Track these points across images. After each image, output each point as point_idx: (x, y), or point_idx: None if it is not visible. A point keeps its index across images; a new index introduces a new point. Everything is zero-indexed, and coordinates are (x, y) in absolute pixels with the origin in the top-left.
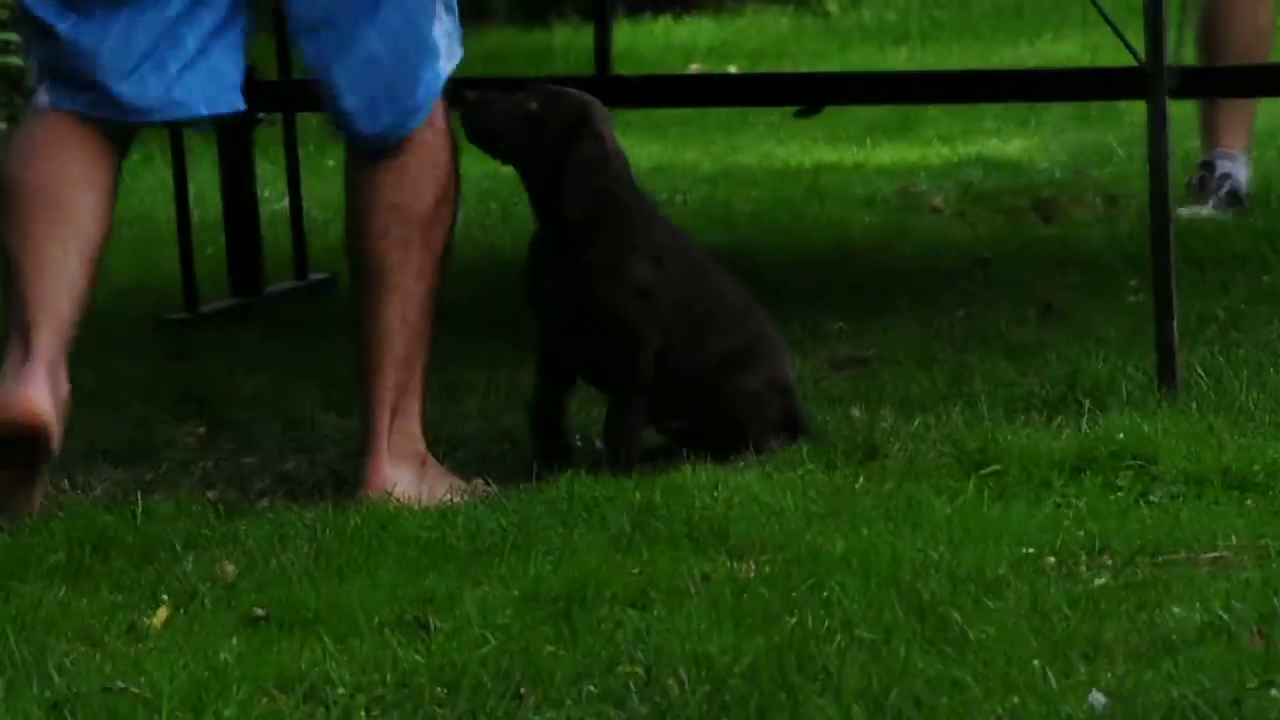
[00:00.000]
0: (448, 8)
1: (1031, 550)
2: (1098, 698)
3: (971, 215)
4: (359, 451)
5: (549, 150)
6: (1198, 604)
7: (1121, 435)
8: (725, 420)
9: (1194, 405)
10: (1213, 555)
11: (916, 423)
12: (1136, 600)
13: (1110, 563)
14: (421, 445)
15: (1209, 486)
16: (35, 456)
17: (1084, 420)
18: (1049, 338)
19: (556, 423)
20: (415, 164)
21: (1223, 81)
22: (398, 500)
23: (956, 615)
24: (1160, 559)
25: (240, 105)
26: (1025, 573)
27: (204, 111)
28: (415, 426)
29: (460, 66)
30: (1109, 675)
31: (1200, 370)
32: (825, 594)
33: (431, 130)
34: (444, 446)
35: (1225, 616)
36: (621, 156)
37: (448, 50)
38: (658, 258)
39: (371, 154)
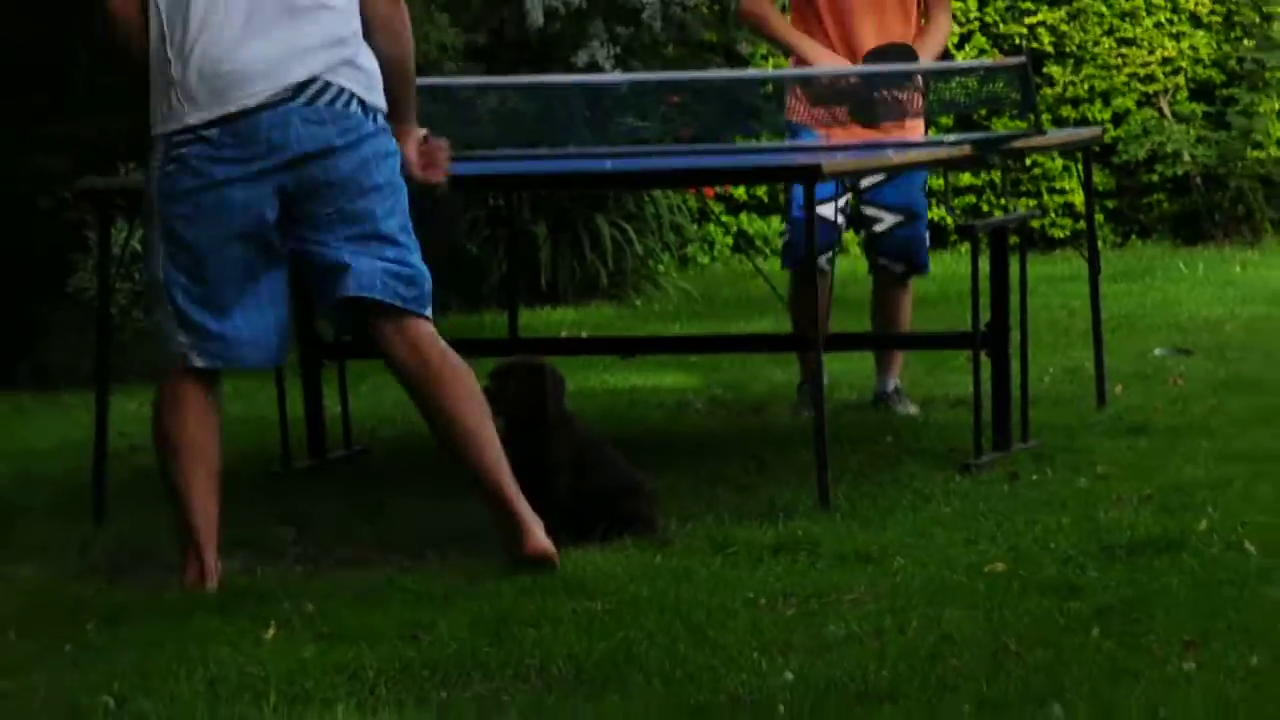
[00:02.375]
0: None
1: (751, 594)
2: (788, 676)
3: (716, 414)
4: (513, 531)
5: (529, 391)
6: (843, 624)
7: (799, 532)
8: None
9: (839, 515)
10: (850, 597)
11: (689, 526)
12: (810, 621)
13: (795, 601)
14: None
15: (848, 559)
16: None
17: (779, 524)
18: (760, 482)
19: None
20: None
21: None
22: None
23: (709, 630)
24: (822, 599)
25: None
26: (748, 607)
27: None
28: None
29: None
30: (795, 663)
31: (842, 498)
32: (639, 619)
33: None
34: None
35: (858, 630)
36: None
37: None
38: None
39: None
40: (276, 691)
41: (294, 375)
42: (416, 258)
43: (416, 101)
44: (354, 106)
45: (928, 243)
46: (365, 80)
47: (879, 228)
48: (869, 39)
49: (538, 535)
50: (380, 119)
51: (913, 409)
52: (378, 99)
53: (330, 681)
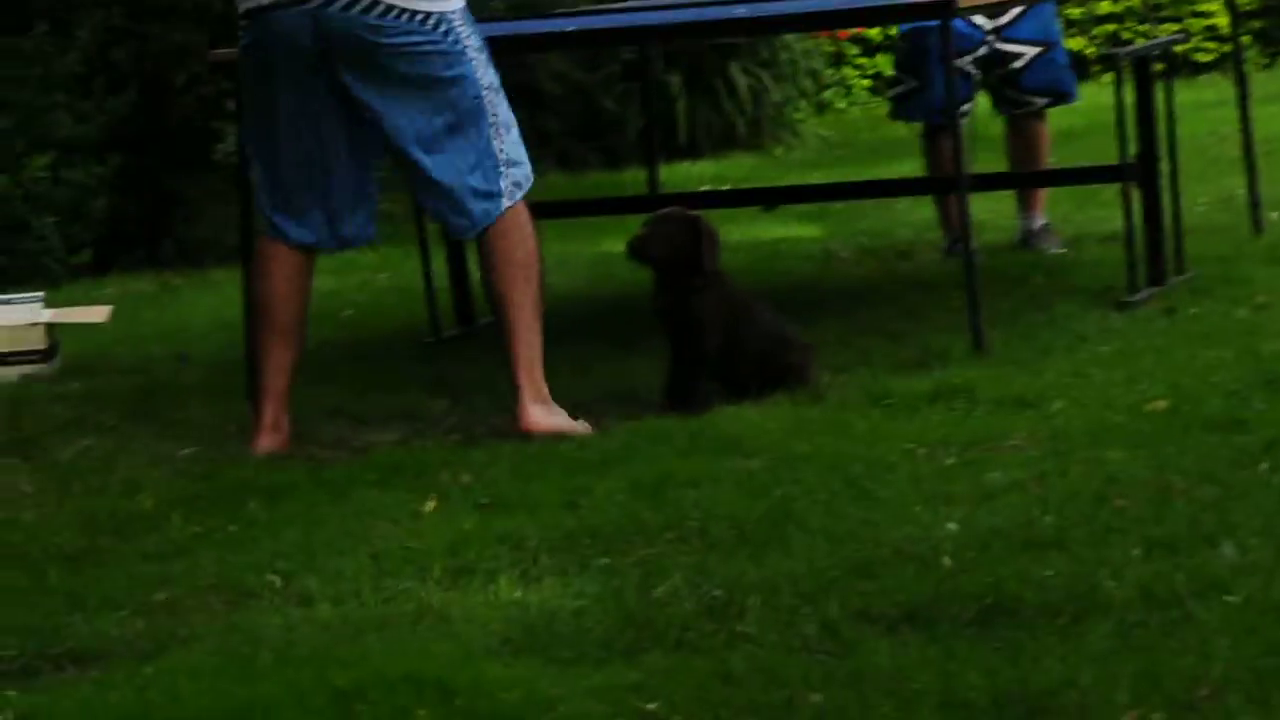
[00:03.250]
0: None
1: (910, 445)
2: (951, 526)
3: (864, 262)
4: (513, 401)
5: (683, 243)
6: (1004, 470)
7: (955, 379)
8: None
9: (995, 360)
10: (1011, 443)
11: (843, 378)
12: (970, 470)
13: (955, 450)
14: (546, 393)
15: (1006, 404)
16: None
17: (934, 372)
18: (913, 329)
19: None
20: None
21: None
22: (544, 431)
23: (868, 484)
24: (981, 447)
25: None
26: (907, 458)
27: (372, 239)
28: (542, 384)
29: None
30: (958, 513)
31: (997, 342)
32: (797, 476)
33: (513, 214)
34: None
35: (1020, 476)
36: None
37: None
38: (727, 301)
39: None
40: (439, 564)
41: (438, 243)
42: None
43: None
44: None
45: (1072, 71)
46: None
47: (1019, 64)
48: None
49: (528, 415)
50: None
51: (1060, 247)
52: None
53: (492, 552)
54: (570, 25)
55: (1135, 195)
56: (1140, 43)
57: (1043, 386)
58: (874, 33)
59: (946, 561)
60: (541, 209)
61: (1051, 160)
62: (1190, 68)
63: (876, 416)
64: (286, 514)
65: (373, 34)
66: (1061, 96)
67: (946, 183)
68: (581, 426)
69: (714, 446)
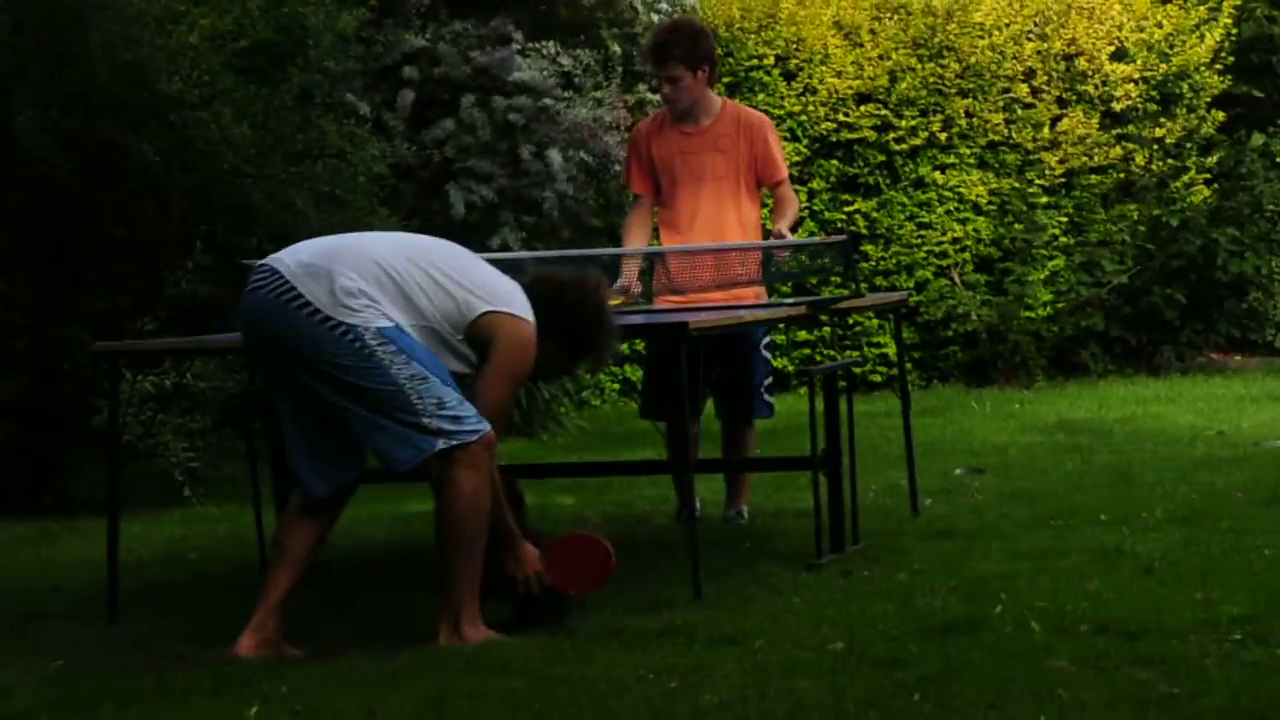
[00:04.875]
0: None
1: (642, 671)
2: None
3: (609, 526)
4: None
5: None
6: (713, 693)
7: (679, 620)
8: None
9: (710, 606)
10: (721, 672)
11: (589, 617)
12: (690, 693)
13: (677, 676)
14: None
15: (718, 641)
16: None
17: (662, 614)
18: (646, 579)
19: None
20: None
21: None
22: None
23: (609, 702)
24: (698, 674)
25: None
26: (640, 682)
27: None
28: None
29: None
30: None
31: (712, 591)
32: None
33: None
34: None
35: (728, 698)
36: None
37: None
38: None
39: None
40: None
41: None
42: None
43: None
44: None
45: (765, 397)
46: None
47: (713, 377)
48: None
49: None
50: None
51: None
52: None
53: None
54: None
55: (822, 481)
56: (828, 363)
57: (747, 628)
58: (624, 346)
59: None
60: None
61: (759, 451)
62: (866, 385)
63: (615, 648)
64: (134, 717)
65: None
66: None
67: (677, 468)
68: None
69: (485, 668)
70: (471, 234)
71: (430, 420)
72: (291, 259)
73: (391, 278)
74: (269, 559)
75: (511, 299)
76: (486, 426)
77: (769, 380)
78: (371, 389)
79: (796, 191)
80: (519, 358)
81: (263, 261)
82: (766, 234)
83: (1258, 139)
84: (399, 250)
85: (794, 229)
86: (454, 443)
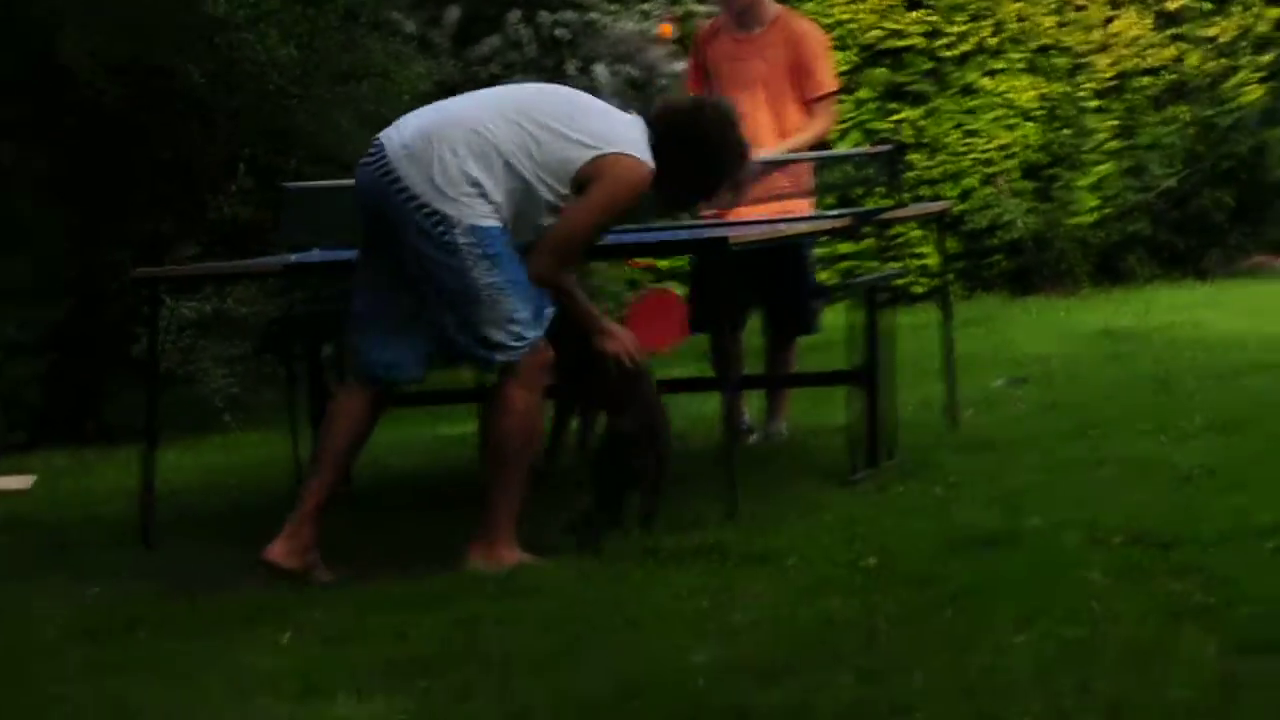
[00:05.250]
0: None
1: (674, 591)
2: (702, 658)
3: None
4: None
5: None
6: (743, 612)
7: (711, 539)
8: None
9: (743, 524)
10: (753, 591)
11: (624, 537)
12: (720, 612)
13: (708, 595)
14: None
15: (750, 559)
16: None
17: (696, 532)
18: (683, 497)
19: None
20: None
21: None
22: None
23: (641, 621)
24: (730, 593)
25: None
26: (673, 601)
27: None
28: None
29: None
30: (710, 645)
31: (746, 510)
32: (585, 615)
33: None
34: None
35: (759, 617)
36: None
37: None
38: None
39: None
40: (290, 684)
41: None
42: None
43: None
44: None
45: (817, 311)
46: None
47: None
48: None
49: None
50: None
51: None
52: None
53: (333, 675)
54: None
55: (860, 396)
56: (868, 275)
57: (780, 546)
58: (662, 263)
59: (699, 683)
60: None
61: (800, 366)
62: (908, 298)
63: (649, 567)
64: (168, 642)
65: None
66: (805, 330)
67: (714, 381)
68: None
69: (518, 591)
70: None
71: (495, 333)
72: (397, 137)
73: (494, 146)
74: (307, 468)
75: (624, 140)
76: (542, 342)
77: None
78: (449, 286)
79: (842, 101)
80: (620, 192)
81: (376, 137)
82: (823, 147)
83: None
84: (500, 111)
85: (823, 146)
86: (511, 358)
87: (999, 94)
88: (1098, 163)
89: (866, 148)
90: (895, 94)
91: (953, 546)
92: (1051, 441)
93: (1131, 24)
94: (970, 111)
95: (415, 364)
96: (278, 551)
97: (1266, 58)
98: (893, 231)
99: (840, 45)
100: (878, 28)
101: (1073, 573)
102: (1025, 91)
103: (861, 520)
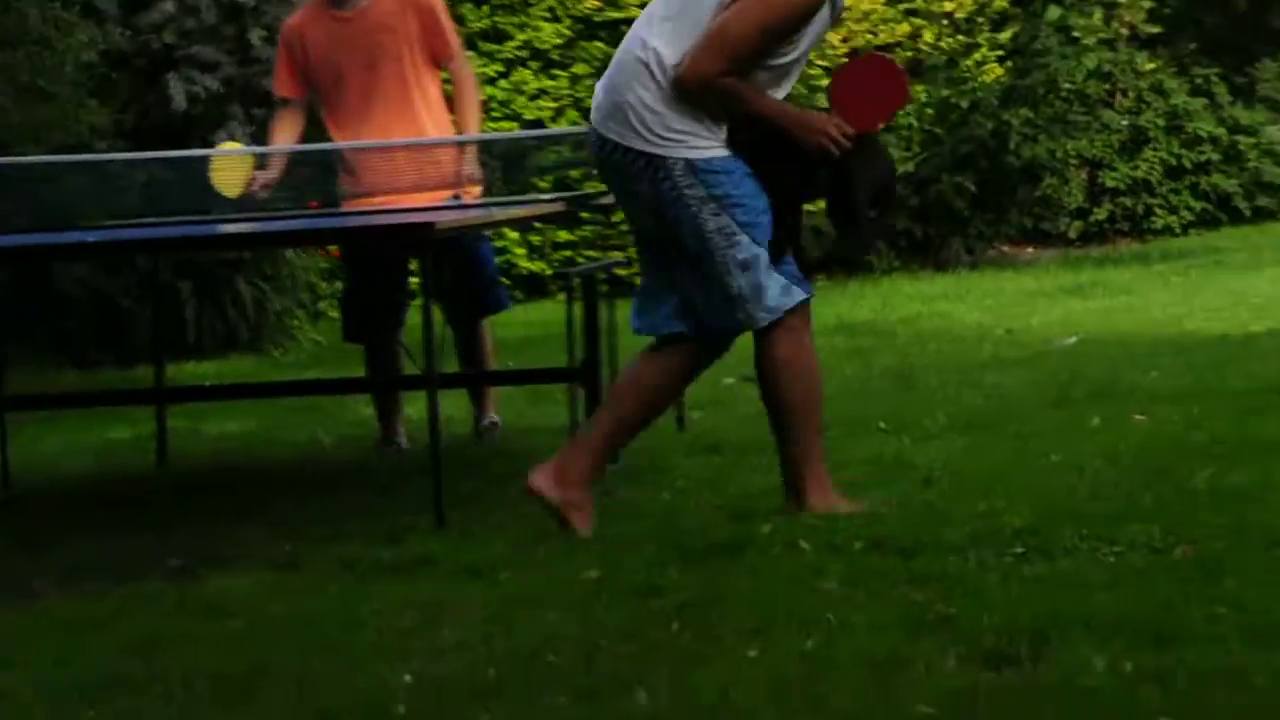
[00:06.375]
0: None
1: (377, 606)
2: (407, 678)
3: (345, 449)
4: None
5: None
6: (452, 629)
7: (419, 550)
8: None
9: (453, 534)
10: (463, 606)
11: (320, 549)
12: (427, 629)
13: (413, 611)
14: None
15: (460, 572)
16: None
17: (401, 544)
18: (385, 507)
19: None
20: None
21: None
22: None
23: (338, 640)
24: (437, 609)
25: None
26: (374, 617)
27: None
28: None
29: None
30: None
31: (456, 519)
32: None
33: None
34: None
35: (468, 636)
36: None
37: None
38: None
39: None
40: None
41: None
42: None
43: None
44: None
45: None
46: None
47: (446, 282)
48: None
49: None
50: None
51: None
52: None
53: None
54: (91, 237)
55: (581, 394)
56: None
57: (494, 557)
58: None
59: (400, 709)
60: (52, 401)
61: (513, 364)
62: (632, 288)
63: (347, 581)
64: None
65: None
66: (494, 307)
67: (418, 380)
68: (850, 505)
69: (198, 609)
70: (193, 128)
71: (734, 283)
72: (596, 114)
73: (659, 56)
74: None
75: None
76: (793, 299)
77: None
78: (682, 237)
79: (557, 77)
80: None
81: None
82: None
83: (1053, 12)
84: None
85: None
86: (757, 318)
87: None
88: None
89: (583, 126)
90: None
91: (680, 555)
92: None
93: None
94: None
95: (669, 320)
96: (541, 480)
97: (1005, 34)
98: (616, 217)
99: (552, 17)
100: None
101: (807, 582)
102: None
103: None
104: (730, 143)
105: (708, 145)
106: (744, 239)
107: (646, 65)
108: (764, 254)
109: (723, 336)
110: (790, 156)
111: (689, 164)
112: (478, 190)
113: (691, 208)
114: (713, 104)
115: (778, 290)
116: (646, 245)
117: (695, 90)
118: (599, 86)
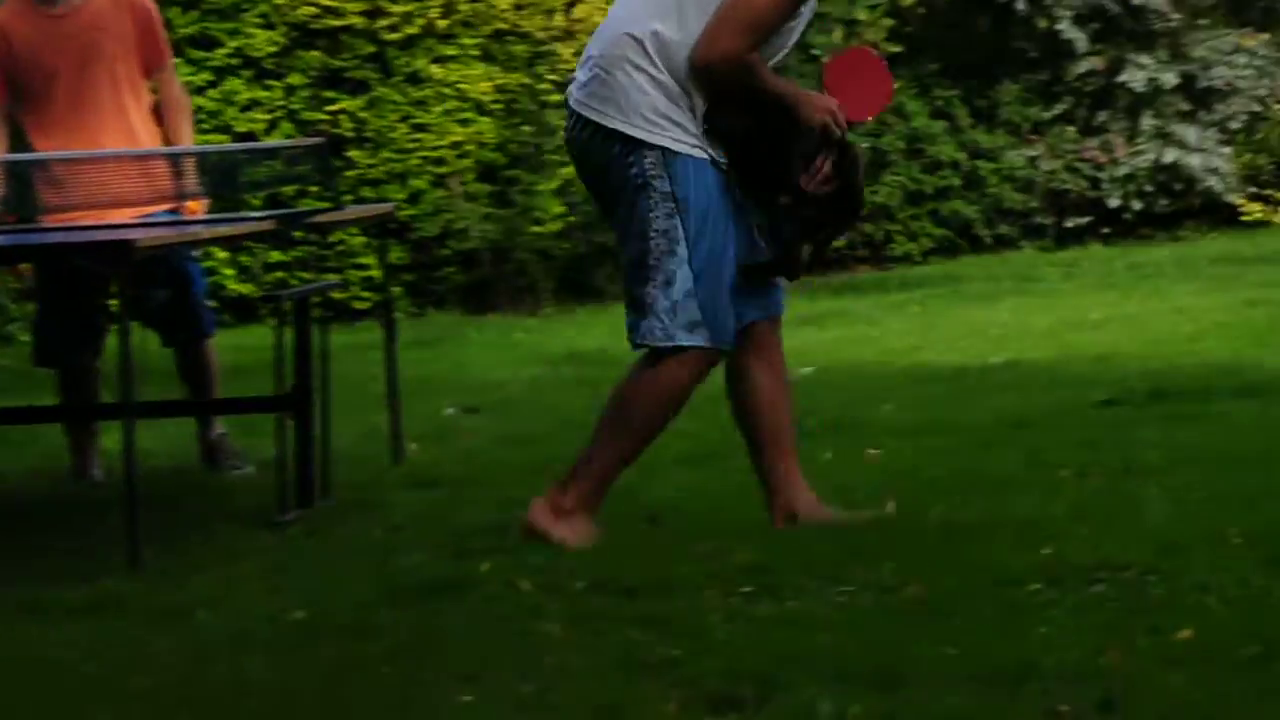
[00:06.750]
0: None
1: (60, 653)
2: None
3: (34, 484)
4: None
5: None
6: (148, 676)
7: (109, 592)
8: None
9: (149, 575)
10: (155, 651)
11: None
12: (117, 677)
13: (99, 658)
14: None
15: (154, 615)
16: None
17: (90, 585)
18: (76, 546)
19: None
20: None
21: None
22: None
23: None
24: (127, 654)
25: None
26: (53, 668)
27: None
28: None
29: None
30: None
31: (153, 558)
32: None
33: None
34: None
35: (165, 680)
36: None
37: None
38: None
39: None
40: None
41: None
42: None
43: None
44: None
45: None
46: None
47: (155, 303)
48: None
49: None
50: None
51: (246, 465)
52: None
53: None
54: None
55: (291, 426)
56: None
57: (190, 598)
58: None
59: None
60: None
61: (222, 392)
62: (350, 314)
63: (29, 625)
64: None
65: None
66: (203, 332)
67: (114, 409)
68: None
69: None
70: None
71: (652, 290)
72: (579, 91)
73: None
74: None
75: None
76: (694, 341)
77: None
78: (625, 228)
79: (270, 87)
80: None
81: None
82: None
83: None
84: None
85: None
86: (654, 334)
87: (450, 84)
88: (563, 164)
89: (297, 140)
90: (332, 80)
91: (393, 596)
92: (509, 478)
93: (595, 9)
94: (419, 103)
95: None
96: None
97: None
98: (334, 238)
99: (265, 24)
100: (310, 4)
101: (527, 623)
102: (480, 82)
103: (290, 568)
104: (727, 132)
105: (689, 142)
106: (682, 252)
107: (641, 44)
108: (690, 279)
109: (630, 340)
110: (785, 145)
111: (665, 154)
112: (200, 207)
113: (651, 199)
114: (734, 85)
115: (686, 322)
116: None
117: (724, 70)
118: (582, 67)
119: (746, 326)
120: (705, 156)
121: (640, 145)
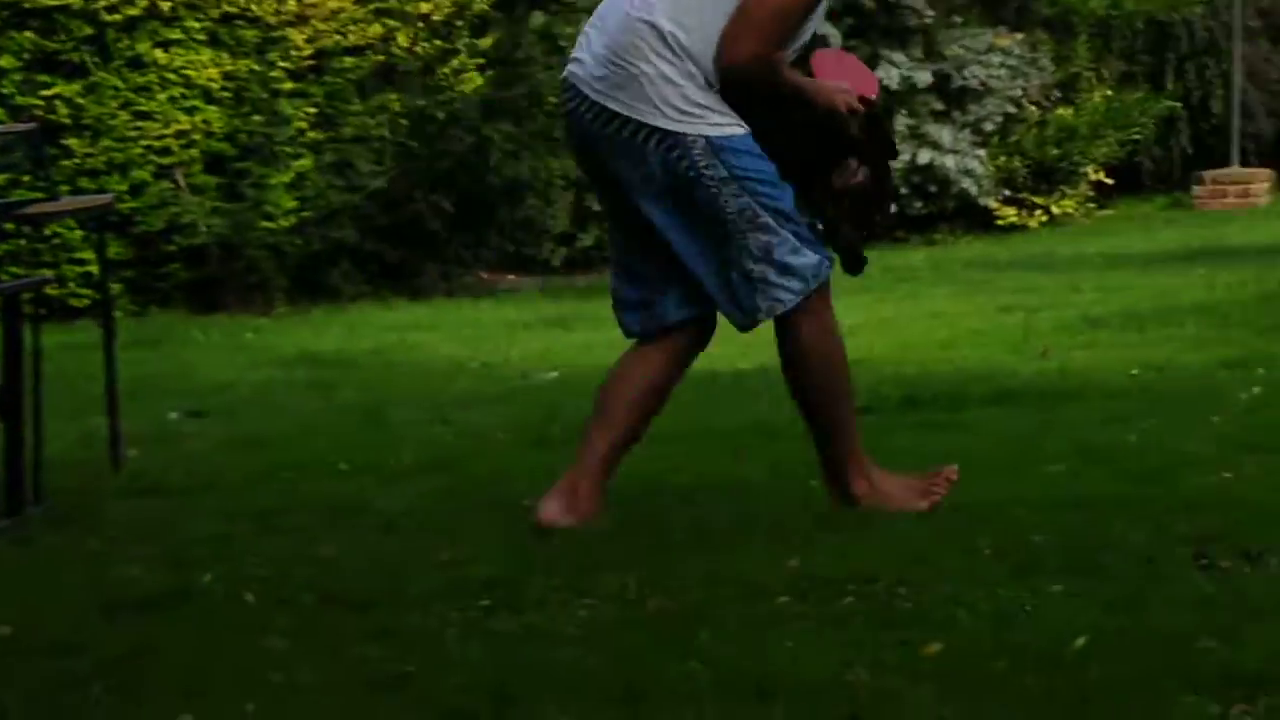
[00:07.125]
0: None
1: None
2: None
3: None
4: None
5: None
6: None
7: None
8: None
9: None
10: None
11: None
12: None
13: None
14: None
15: None
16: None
17: None
18: None
19: None
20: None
21: None
22: None
23: None
24: None
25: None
26: None
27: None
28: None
29: None
30: None
31: None
32: None
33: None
34: None
35: None
36: None
37: None
38: None
39: None
40: None
41: None
42: None
43: None
44: None
45: None
46: None
47: None
48: None
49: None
50: None
51: None
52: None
53: None
54: None
55: None
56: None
57: None
58: None
59: None
60: None
61: None
62: (66, 312)
63: None
64: None
65: None
66: None
67: None
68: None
69: None
70: None
71: (755, 267)
72: (598, 84)
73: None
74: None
75: None
76: (812, 282)
77: None
78: (696, 221)
79: None
80: None
81: (564, 75)
82: None
83: (538, 19)
84: None
85: None
86: (781, 304)
87: (175, 70)
88: (296, 156)
89: (9, 126)
90: (47, 64)
91: (108, 609)
92: (235, 484)
93: None
94: (142, 89)
95: (676, 308)
96: (550, 511)
97: (486, 41)
98: (49, 231)
99: None
100: None
101: (252, 637)
102: (207, 68)
103: None
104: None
105: (726, 123)
106: (768, 220)
107: (662, 35)
108: (789, 236)
109: (742, 327)
110: (810, 138)
111: (709, 141)
112: None
113: (711, 189)
114: (759, 84)
115: (802, 273)
116: (632, 235)
117: (752, 70)
118: (589, 54)
119: (682, 322)
120: (745, 130)
121: (683, 138)
